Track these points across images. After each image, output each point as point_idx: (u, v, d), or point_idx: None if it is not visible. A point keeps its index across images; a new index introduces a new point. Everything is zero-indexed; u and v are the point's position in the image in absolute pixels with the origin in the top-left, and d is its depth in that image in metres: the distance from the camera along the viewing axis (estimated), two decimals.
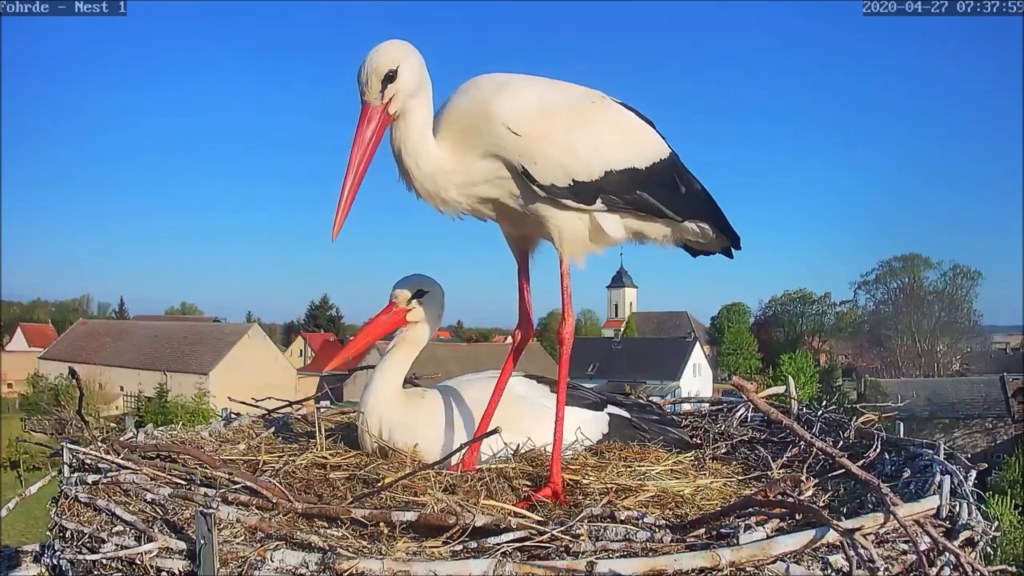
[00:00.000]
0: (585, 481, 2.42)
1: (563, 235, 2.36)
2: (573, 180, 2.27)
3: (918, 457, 2.48)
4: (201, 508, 1.85)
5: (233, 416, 3.34)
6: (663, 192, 2.47)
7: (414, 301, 2.78)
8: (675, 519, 2.01)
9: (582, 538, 1.79)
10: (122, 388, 38.79)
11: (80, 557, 1.95)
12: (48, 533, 2.24)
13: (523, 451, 2.62)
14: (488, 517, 1.86)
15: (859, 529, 1.75)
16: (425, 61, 2.24)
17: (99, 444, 2.45)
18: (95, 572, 1.91)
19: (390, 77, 2.14)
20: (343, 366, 2.94)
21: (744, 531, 1.75)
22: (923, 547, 1.79)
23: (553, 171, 2.25)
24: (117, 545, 1.91)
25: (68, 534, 2.08)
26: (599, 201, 2.34)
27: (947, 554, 1.82)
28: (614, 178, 2.34)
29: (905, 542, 1.81)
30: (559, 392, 2.44)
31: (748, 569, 1.67)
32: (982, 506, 2.15)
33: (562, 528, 1.81)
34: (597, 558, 1.67)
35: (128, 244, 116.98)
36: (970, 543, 1.94)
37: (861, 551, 1.69)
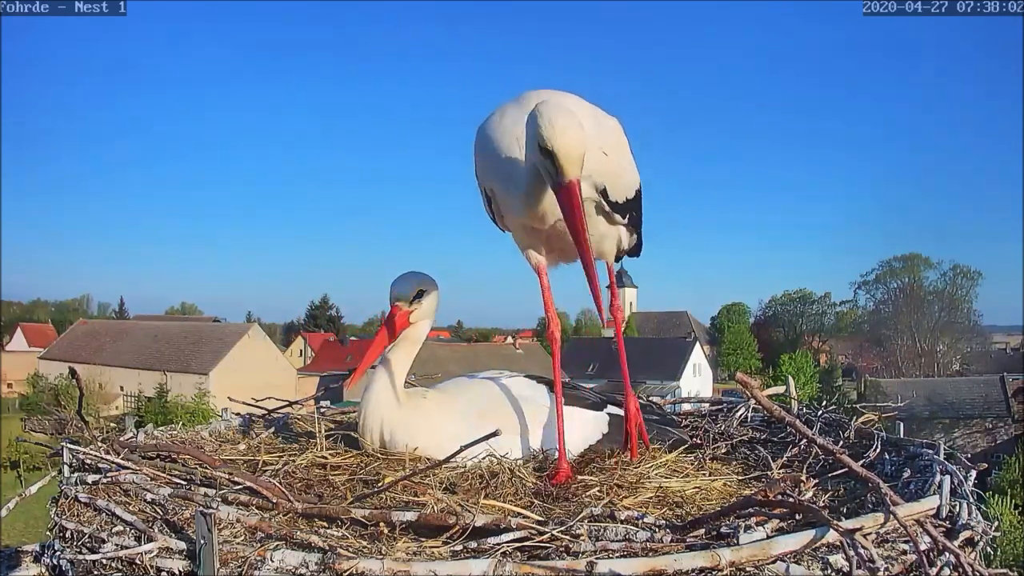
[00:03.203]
0: (585, 481, 2.42)
1: (604, 247, 2.68)
2: (626, 198, 2.58)
3: (918, 457, 2.48)
4: (201, 508, 1.85)
5: (233, 416, 3.34)
6: (641, 210, 2.78)
7: (415, 301, 2.78)
8: (675, 519, 2.01)
9: (582, 538, 1.79)
10: (122, 388, 38.79)
11: (80, 557, 1.95)
12: (48, 533, 2.24)
13: (524, 451, 2.63)
14: (488, 517, 1.86)
15: (859, 529, 1.75)
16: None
17: (99, 444, 2.45)
18: (95, 572, 1.91)
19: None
20: (356, 375, 2.96)
21: (744, 531, 1.75)
22: (923, 547, 1.79)
23: (621, 190, 2.54)
24: (117, 545, 1.91)
25: (68, 534, 2.08)
26: (627, 217, 2.65)
27: (947, 554, 1.83)
28: (636, 198, 2.66)
29: (905, 542, 1.81)
30: (627, 382, 2.77)
31: (748, 569, 1.67)
32: (982, 506, 2.15)
33: (562, 528, 1.81)
34: (597, 558, 1.67)
35: (128, 244, 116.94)
36: (970, 543, 1.94)
37: (861, 551, 1.69)
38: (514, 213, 2.46)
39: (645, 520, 1.91)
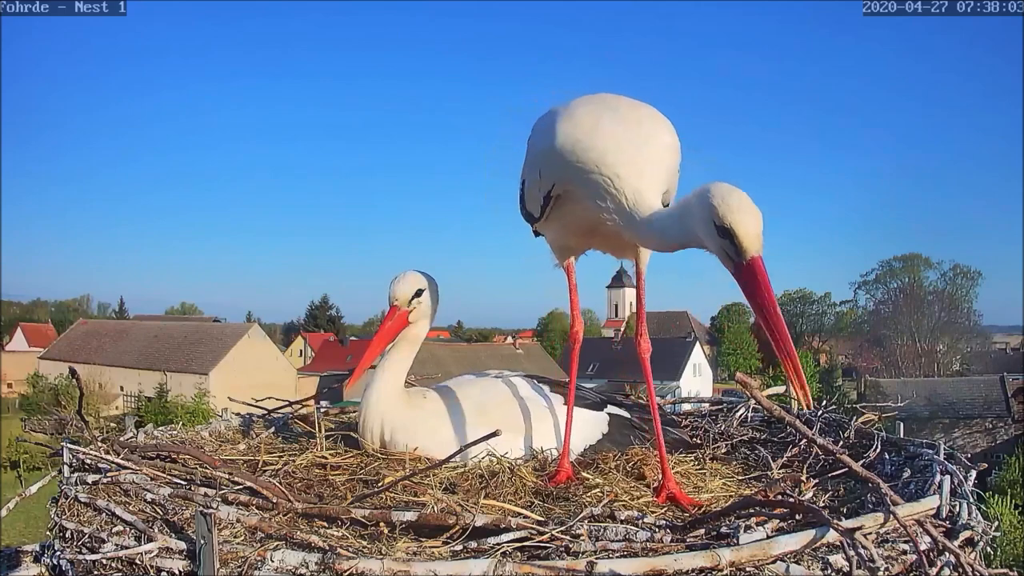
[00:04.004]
0: (585, 481, 2.42)
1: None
2: None
3: (918, 457, 2.49)
4: (201, 508, 1.85)
5: (233, 416, 3.34)
6: None
7: (414, 300, 2.78)
8: (675, 519, 2.01)
9: (582, 538, 1.79)
10: (122, 388, 38.75)
11: (80, 557, 1.95)
12: (48, 533, 2.24)
13: (524, 451, 2.63)
14: (488, 517, 1.86)
15: (859, 529, 1.75)
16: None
17: (99, 444, 2.45)
18: (95, 572, 1.91)
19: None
20: (355, 376, 2.95)
21: (744, 531, 1.75)
22: (923, 547, 1.79)
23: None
24: (117, 545, 1.91)
25: (68, 534, 2.08)
26: None
27: (947, 554, 1.83)
28: None
29: (905, 542, 1.82)
30: (650, 398, 2.62)
31: (748, 569, 1.67)
32: (982, 506, 2.15)
33: (562, 528, 1.81)
34: (597, 558, 1.67)
35: (128, 244, 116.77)
36: (970, 543, 1.94)
37: (861, 551, 1.69)
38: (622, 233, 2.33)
39: (645, 520, 1.91)
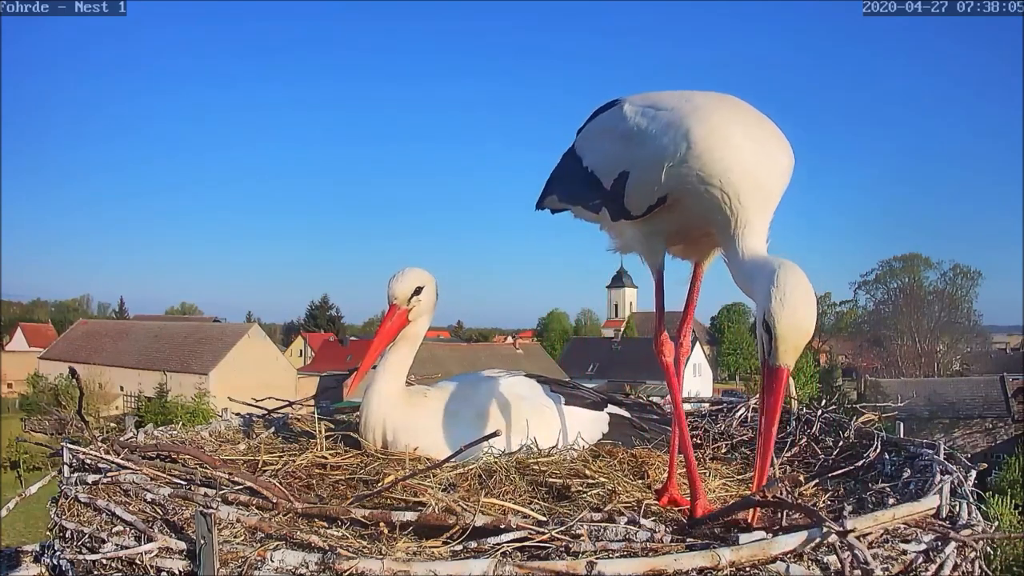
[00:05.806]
0: (586, 478, 2.41)
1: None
2: None
3: (918, 457, 2.49)
4: (201, 508, 1.85)
5: (233, 416, 3.34)
6: None
7: (414, 298, 2.78)
8: (675, 519, 2.01)
9: (582, 538, 1.79)
10: (122, 388, 38.71)
11: (80, 557, 1.95)
12: (48, 533, 2.25)
13: (524, 450, 2.63)
14: (488, 517, 1.86)
15: (855, 530, 1.75)
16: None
17: (99, 444, 2.45)
18: (95, 572, 1.91)
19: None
20: (357, 377, 2.95)
21: (744, 531, 1.75)
22: (923, 547, 1.79)
23: None
24: (117, 545, 1.91)
25: (68, 534, 2.08)
26: None
27: (947, 554, 1.83)
28: None
29: (905, 542, 1.82)
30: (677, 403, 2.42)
31: (748, 569, 1.67)
32: (982, 506, 2.15)
33: (562, 528, 1.81)
34: (597, 558, 1.67)
35: (128, 244, 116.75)
36: (970, 543, 1.94)
37: (856, 552, 1.69)
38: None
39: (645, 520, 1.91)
